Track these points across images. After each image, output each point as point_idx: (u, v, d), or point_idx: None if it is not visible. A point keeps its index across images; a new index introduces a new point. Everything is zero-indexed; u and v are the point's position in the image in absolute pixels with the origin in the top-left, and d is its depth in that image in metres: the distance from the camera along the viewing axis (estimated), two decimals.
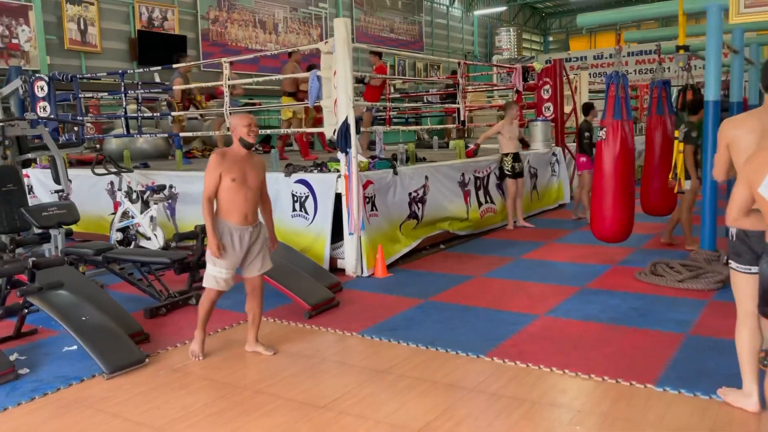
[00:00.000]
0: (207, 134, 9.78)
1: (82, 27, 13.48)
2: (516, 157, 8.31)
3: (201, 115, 10.35)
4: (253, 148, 4.02)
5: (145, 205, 7.07)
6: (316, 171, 6.57)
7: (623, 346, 4.06)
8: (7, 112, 9.13)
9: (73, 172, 8.07)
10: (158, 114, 9.49)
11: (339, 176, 6.20)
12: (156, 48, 14.19)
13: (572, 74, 12.79)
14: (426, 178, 7.17)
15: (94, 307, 4.26)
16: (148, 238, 6.95)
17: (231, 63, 7.76)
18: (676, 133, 5.99)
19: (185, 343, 4.40)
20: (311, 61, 8.66)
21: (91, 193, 8.14)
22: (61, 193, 6.84)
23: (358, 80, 9.30)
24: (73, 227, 6.37)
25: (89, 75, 10.74)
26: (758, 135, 2.96)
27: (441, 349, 4.10)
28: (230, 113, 7.36)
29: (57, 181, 6.92)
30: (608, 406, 3.25)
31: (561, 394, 3.46)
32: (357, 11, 20.61)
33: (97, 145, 10.82)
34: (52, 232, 6.01)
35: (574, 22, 28.24)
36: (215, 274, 3.94)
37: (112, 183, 7.91)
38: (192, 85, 9.09)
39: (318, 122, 8.76)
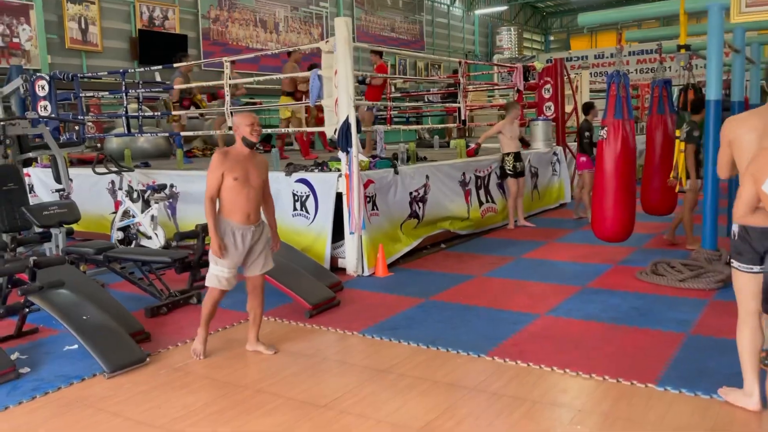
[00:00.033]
0: (208, 133, 9.79)
1: (83, 26, 13.48)
2: (517, 157, 8.31)
3: (201, 114, 10.35)
4: (255, 147, 4.02)
5: (146, 204, 7.07)
6: (316, 170, 6.57)
7: (624, 346, 4.06)
8: (8, 111, 9.13)
9: (73, 171, 8.07)
10: (159, 113, 9.49)
11: (340, 175, 6.20)
12: (157, 47, 14.20)
13: (573, 73, 12.79)
14: (427, 177, 7.17)
15: (94, 306, 4.26)
16: (149, 237, 6.95)
17: (233, 62, 7.76)
18: (677, 133, 5.98)
19: (186, 342, 4.41)
20: (312, 61, 8.66)
21: (92, 192, 8.14)
22: (62, 192, 6.84)
23: (360, 81, 9.30)
24: (74, 226, 6.37)
25: (90, 74, 10.75)
26: (760, 134, 2.96)
27: (442, 348, 4.10)
28: (232, 112, 7.36)
29: (58, 180, 6.92)
30: (609, 405, 3.25)
31: (562, 393, 3.46)
32: (358, 10, 20.60)
33: (98, 144, 10.82)
34: (53, 231, 6.01)
35: (575, 22, 28.22)
36: (217, 273, 3.94)
37: (113, 182, 7.90)
38: (192, 85, 9.09)
39: (320, 122, 8.76)
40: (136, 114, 8.82)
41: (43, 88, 8.86)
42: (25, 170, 7.69)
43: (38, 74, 9.34)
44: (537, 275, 5.92)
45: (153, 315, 4.98)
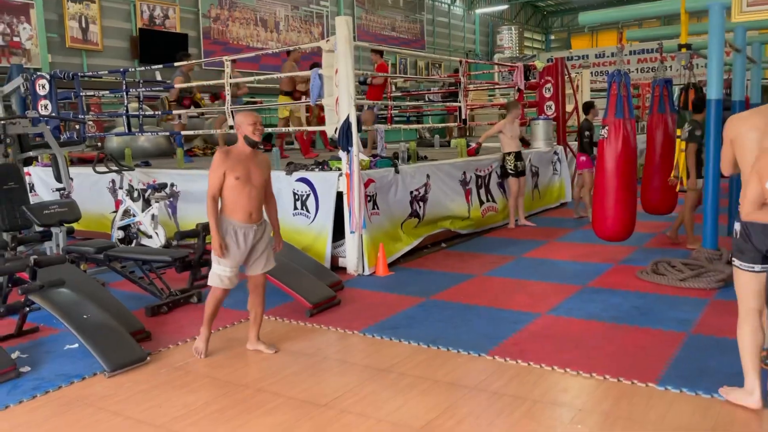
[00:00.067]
0: (208, 132, 9.78)
1: (84, 25, 13.48)
2: (518, 156, 8.31)
3: (201, 113, 10.34)
4: (258, 147, 4.01)
5: (147, 203, 7.07)
6: (317, 169, 6.57)
7: (625, 345, 4.06)
8: (9, 110, 9.13)
9: (74, 171, 8.07)
10: (159, 112, 9.49)
11: (340, 175, 6.19)
12: (157, 46, 14.20)
13: (574, 73, 12.77)
14: (427, 176, 7.16)
15: (95, 305, 4.26)
16: (150, 237, 6.95)
17: (233, 61, 7.75)
18: (678, 132, 5.98)
19: (186, 341, 4.41)
20: (313, 60, 8.65)
21: (93, 192, 8.14)
22: (62, 191, 6.84)
23: (361, 82, 9.30)
24: (75, 225, 6.37)
25: (90, 73, 10.75)
26: (761, 132, 2.98)
27: (442, 347, 4.10)
28: (235, 111, 7.35)
29: (58, 179, 6.92)
30: (610, 404, 3.25)
31: (562, 392, 3.45)
32: (358, 9, 20.60)
33: (99, 144, 10.82)
34: (54, 230, 6.01)
35: (575, 21, 28.22)
36: (219, 272, 3.93)
37: (113, 181, 7.91)
38: (193, 84, 9.09)
39: (323, 121, 8.76)
40: (137, 113, 8.82)
41: (43, 87, 8.86)
42: (25, 169, 7.69)
43: (39, 73, 9.34)
44: (537, 274, 5.91)
45: (153, 314, 4.98)
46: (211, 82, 8.79)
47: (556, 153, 10.13)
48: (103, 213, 8.02)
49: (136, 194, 7.14)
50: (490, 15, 27.50)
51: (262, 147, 4.11)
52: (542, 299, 5.11)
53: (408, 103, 13.91)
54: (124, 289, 5.64)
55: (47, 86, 8.83)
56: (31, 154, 7.52)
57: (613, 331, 4.32)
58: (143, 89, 9.21)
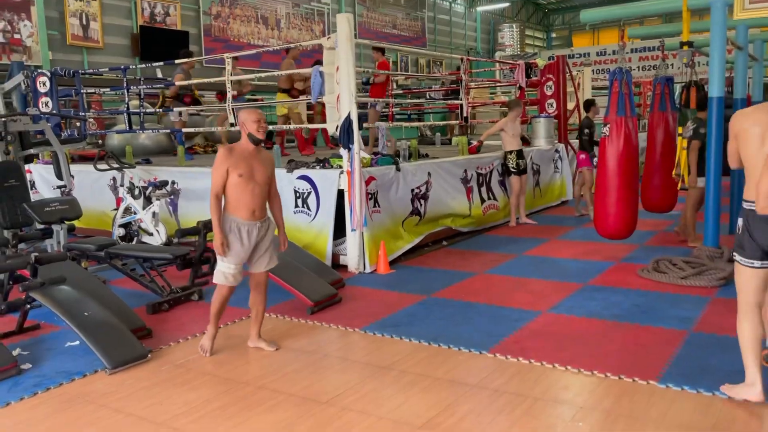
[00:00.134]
0: (209, 130, 9.78)
1: (84, 22, 13.47)
2: (520, 154, 8.30)
3: (199, 111, 10.34)
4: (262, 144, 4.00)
5: (148, 201, 7.07)
6: (318, 167, 6.57)
7: (626, 343, 4.06)
8: (10, 108, 9.12)
9: (75, 168, 8.05)
10: (161, 110, 9.49)
11: (341, 172, 6.19)
12: (158, 43, 14.20)
13: (575, 71, 12.76)
14: (428, 174, 7.16)
15: (96, 302, 4.26)
16: (151, 234, 6.95)
17: (235, 59, 7.75)
18: (680, 130, 5.97)
19: (188, 338, 4.41)
20: (315, 57, 8.65)
21: (94, 189, 8.15)
22: (63, 189, 6.84)
23: (364, 82, 9.30)
24: (76, 223, 6.38)
25: (91, 70, 10.76)
26: (764, 128, 3.00)
27: (443, 345, 4.10)
28: (238, 108, 7.35)
29: (59, 176, 6.92)
30: (611, 402, 3.24)
31: (563, 390, 3.45)
32: (359, 7, 20.58)
33: (100, 141, 10.82)
34: (55, 227, 6.01)
35: (577, 19, 28.21)
36: (224, 269, 3.93)
37: (114, 179, 7.91)
38: (194, 81, 9.08)
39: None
40: (138, 110, 8.82)
41: (44, 84, 8.85)
42: (26, 166, 7.69)
43: (39, 70, 9.33)
44: (539, 272, 5.91)
45: (154, 311, 4.99)
46: (213, 80, 8.78)
47: (557, 151, 10.12)
48: (104, 210, 8.02)
49: (137, 192, 7.15)
50: (491, 13, 27.48)
51: (263, 145, 4.11)
52: (543, 297, 5.10)
53: (409, 100, 13.90)
54: (125, 286, 5.64)
55: (48, 83, 8.82)
56: (32, 151, 7.51)
57: (614, 329, 4.32)
58: (144, 87, 9.19)
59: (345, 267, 6.18)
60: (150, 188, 7.09)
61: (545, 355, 3.83)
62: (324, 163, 6.64)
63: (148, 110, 9.11)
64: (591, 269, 5.93)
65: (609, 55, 22.30)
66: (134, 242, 7.05)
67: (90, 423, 3.23)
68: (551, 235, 7.61)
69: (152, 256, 5.44)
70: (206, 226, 5.70)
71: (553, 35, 32.43)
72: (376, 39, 19.95)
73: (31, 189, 7.93)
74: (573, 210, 9.10)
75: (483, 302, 5.02)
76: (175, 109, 9.05)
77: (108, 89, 10.19)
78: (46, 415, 3.33)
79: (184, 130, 9.06)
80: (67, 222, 6.07)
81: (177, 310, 5.10)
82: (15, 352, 4.08)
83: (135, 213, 7.14)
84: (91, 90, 9.87)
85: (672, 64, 7.53)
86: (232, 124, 7.57)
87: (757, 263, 3.03)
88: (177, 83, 8.91)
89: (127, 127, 8.90)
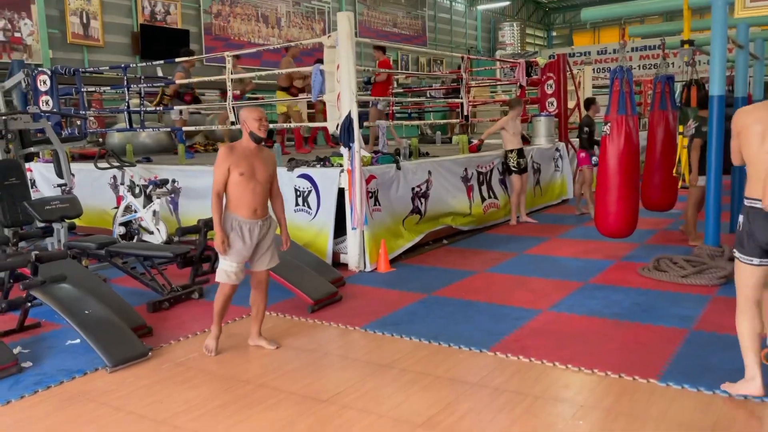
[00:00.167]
0: (209, 129, 9.78)
1: (85, 21, 13.47)
2: (520, 153, 8.30)
3: (198, 111, 10.35)
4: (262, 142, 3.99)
5: (148, 199, 7.07)
6: (319, 166, 6.56)
7: (626, 342, 4.06)
8: (10, 106, 9.13)
9: (75, 166, 8.04)
10: (161, 108, 9.49)
11: (342, 171, 6.19)
12: (159, 42, 14.19)
13: (576, 69, 12.75)
14: (429, 173, 7.16)
15: (97, 300, 4.26)
16: (151, 233, 6.95)
17: (237, 57, 7.75)
18: (680, 128, 5.96)
19: (188, 337, 4.41)
20: (316, 56, 8.65)
21: (94, 188, 8.15)
22: (64, 187, 6.84)
23: (365, 82, 9.30)
24: (76, 221, 6.38)
25: (92, 69, 10.76)
26: (765, 125, 3.02)
27: (444, 343, 4.10)
28: (239, 107, 7.35)
29: (60, 175, 6.91)
30: (611, 401, 3.24)
31: (564, 389, 3.45)
32: (360, 6, 20.57)
33: (100, 140, 10.82)
34: (55, 225, 6.02)
35: (577, 17, 28.19)
36: (226, 268, 3.92)
37: (114, 177, 7.91)
38: (194, 80, 9.08)
39: None
40: (138, 109, 8.82)
41: (44, 82, 8.85)
42: (27, 165, 7.69)
43: (40, 69, 9.33)
44: (539, 271, 5.91)
45: (155, 310, 4.99)
46: (213, 78, 8.78)
47: (557, 150, 10.12)
48: (105, 209, 8.02)
49: (137, 190, 7.15)
50: (491, 11, 27.46)
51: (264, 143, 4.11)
52: (544, 296, 5.10)
53: (410, 99, 13.89)
54: (125, 285, 5.65)
55: (48, 82, 8.82)
56: (32, 149, 7.52)
57: (614, 328, 4.32)
58: (144, 85, 9.19)
59: (345, 265, 6.18)
60: (150, 187, 7.09)
61: (545, 354, 3.83)
62: (324, 161, 6.64)
63: (148, 109, 9.10)
64: (591, 268, 5.93)
65: (610, 53, 22.29)
66: (135, 241, 7.05)
67: (90, 421, 3.23)
68: (552, 234, 7.61)
69: (153, 255, 5.44)
70: (207, 224, 5.70)
71: (554, 34, 32.41)
72: (376, 37, 19.95)
73: (32, 187, 7.93)
74: (573, 208, 9.10)
75: (483, 301, 5.02)
76: (175, 107, 9.05)
77: (108, 88, 10.19)
78: (47, 413, 3.33)
79: (185, 128, 9.06)
80: (67, 220, 6.08)
81: (177, 309, 5.10)
82: (16, 351, 4.09)
83: (135, 211, 7.14)
84: (92, 88, 9.87)
85: (673, 63, 7.52)
86: (233, 123, 7.57)
87: (756, 261, 3.06)
88: (177, 81, 8.92)
89: (128, 126, 8.89)
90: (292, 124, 8.89)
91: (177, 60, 8.90)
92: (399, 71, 18.71)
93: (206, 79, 8.99)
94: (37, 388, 3.62)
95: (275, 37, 17.67)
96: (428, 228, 7.12)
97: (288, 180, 6.50)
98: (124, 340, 4.03)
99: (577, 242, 7.09)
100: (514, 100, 9.02)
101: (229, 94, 7.64)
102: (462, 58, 9.47)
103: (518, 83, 10.56)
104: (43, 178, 8.72)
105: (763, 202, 2.95)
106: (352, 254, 6.16)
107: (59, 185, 7.10)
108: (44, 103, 8.79)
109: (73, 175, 7.07)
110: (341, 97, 6.10)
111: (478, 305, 4.91)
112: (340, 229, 6.27)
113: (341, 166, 6.24)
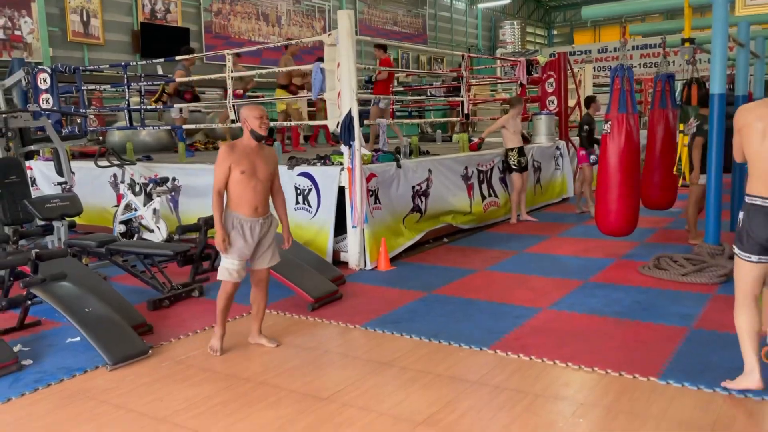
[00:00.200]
0: (210, 127, 9.77)
1: (85, 19, 13.47)
2: (521, 152, 8.30)
3: (198, 109, 10.35)
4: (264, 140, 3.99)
5: (148, 197, 7.08)
6: (319, 164, 6.56)
7: (627, 340, 4.06)
8: (10, 104, 9.13)
9: (76, 165, 8.06)
10: (161, 106, 9.49)
11: (342, 169, 6.19)
12: (159, 40, 14.19)
13: (576, 68, 12.74)
14: (429, 171, 7.15)
15: (97, 298, 4.27)
16: (151, 231, 6.96)
17: (238, 55, 7.74)
18: (681, 127, 5.96)
19: (188, 335, 4.41)
20: (316, 54, 8.65)
21: (94, 186, 8.15)
22: (64, 185, 6.84)
23: (367, 81, 9.29)
24: (76, 219, 6.38)
25: (92, 67, 10.74)
26: (766, 123, 3.04)
27: (444, 341, 4.10)
28: (238, 105, 7.35)
29: (60, 173, 6.92)
30: (611, 399, 3.24)
31: (564, 387, 3.45)
32: (360, 4, 20.56)
33: (100, 138, 10.82)
34: (55, 224, 6.01)
35: (578, 16, 28.16)
36: (228, 266, 3.92)
37: (115, 175, 7.91)
38: (195, 78, 9.08)
39: None
40: (138, 107, 8.81)
41: (44, 80, 8.85)
42: (27, 163, 7.69)
43: (40, 67, 9.33)
44: (539, 269, 5.91)
45: (155, 308, 4.99)
46: (214, 76, 8.78)
47: (558, 148, 10.11)
48: (105, 207, 8.02)
49: (137, 188, 7.15)
50: (492, 10, 27.43)
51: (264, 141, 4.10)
52: (544, 294, 5.10)
53: (410, 97, 13.89)
54: (125, 283, 5.65)
55: (48, 80, 8.82)
56: (32, 147, 7.52)
57: (614, 326, 4.32)
58: (145, 83, 9.20)
59: (346, 264, 6.18)
60: (151, 185, 7.09)
61: (546, 352, 3.83)
62: (325, 159, 6.64)
63: (148, 107, 9.11)
64: (592, 266, 5.93)
65: (610, 52, 22.27)
66: (135, 239, 7.05)
67: (91, 419, 3.23)
68: (552, 232, 7.60)
69: (153, 253, 5.44)
70: (207, 222, 5.70)
71: (555, 32, 32.38)
72: (376, 36, 19.92)
73: (32, 186, 7.94)
74: (574, 207, 9.09)
75: (484, 299, 5.02)
76: (175, 105, 9.05)
77: (108, 86, 10.20)
78: (47, 411, 3.33)
79: (185, 126, 9.05)
80: (67, 218, 6.07)
81: (178, 307, 5.10)
82: (16, 348, 4.09)
83: (136, 210, 7.14)
84: (92, 87, 9.88)
85: (673, 61, 7.51)
86: (233, 121, 7.57)
87: (754, 258, 3.09)
88: (177, 80, 8.91)
89: (128, 124, 8.89)
90: (292, 122, 8.90)
91: (177, 58, 8.90)
92: (400, 69, 18.70)
93: (206, 77, 8.99)
94: (37, 386, 3.62)
95: (275, 35, 17.66)
96: (428, 226, 7.12)
97: (288, 178, 6.50)
98: (124, 338, 4.03)
99: (578, 241, 7.09)
100: (514, 98, 9.02)
101: (229, 92, 7.64)
102: (462, 56, 9.46)
103: (519, 82, 10.55)
104: (43, 176, 8.72)
105: None
106: (352, 252, 6.16)
107: (59, 183, 7.10)
108: (44, 102, 8.79)
109: (73, 173, 7.07)
110: (342, 96, 6.10)
111: (479, 303, 4.91)
112: (340, 228, 6.27)
113: (341, 164, 6.24)
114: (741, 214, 3.14)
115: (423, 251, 6.84)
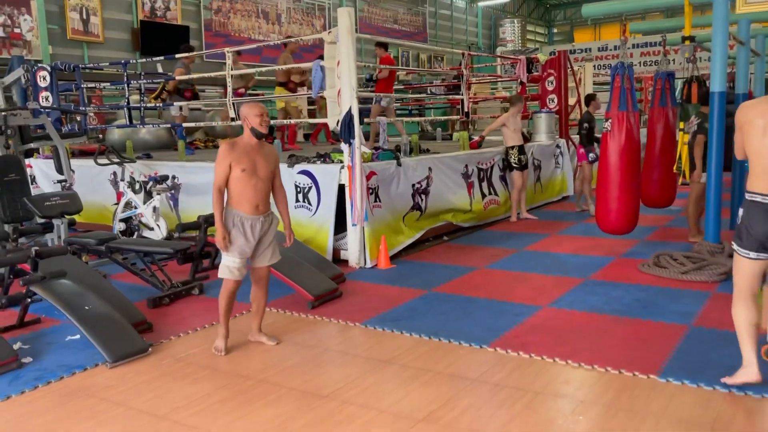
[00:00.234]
0: (210, 125, 9.77)
1: (85, 17, 13.45)
2: (521, 150, 8.30)
3: (198, 108, 10.34)
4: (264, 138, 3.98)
5: (148, 195, 7.07)
6: (319, 162, 6.56)
7: (627, 338, 4.06)
8: (10, 102, 9.12)
9: (75, 163, 8.06)
10: (161, 104, 9.48)
11: (342, 167, 6.18)
12: (159, 38, 14.17)
13: (577, 66, 12.73)
14: (429, 169, 7.15)
15: (97, 296, 4.26)
16: (151, 229, 6.95)
17: (238, 53, 7.73)
18: (681, 125, 5.95)
19: (188, 332, 4.41)
20: (317, 53, 8.65)
21: (94, 184, 8.14)
22: (63, 183, 6.84)
23: (368, 79, 9.28)
24: (76, 217, 6.37)
25: (92, 65, 10.73)
26: (766, 119, 3.04)
27: (444, 339, 4.10)
28: (237, 103, 7.34)
29: (60, 171, 6.92)
30: (611, 396, 3.24)
31: (564, 384, 3.45)
32: (360, 2, 20.54)
33: (100, 136, 10.82)
34: (55, 221, 6.01)
35: (578, 14, 28.14)
36: (229, 264, 3.91)
37: (114, 173, 7.90)
38: (195, 75, 9.07)
39: None
40: (138, 105, 8.81)
41: (44, 78, 8.84)
42: (26, 161, 7.69)
43: (39, 65, 9.32)
44: (539, 267, 5.91)
45: (155, 306, 4.99)
46: (214, 74, 8.77)
47: (558, 146, 10.11)
48: (105, 205, 8.02)
49: (137, 186, 7.15)
50: (492, 8, 27.40)
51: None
52: (544, 292, 5.10)
53: (410, 95, 13.88)
54: (125, 280, 5.64)
55: (48, 78, 8.81)
56: (32, 145, 7.52)
57: (614, 324, 4.32)
58: (144, 81, 9.19)
59: (346, 262, 6.18)
60: (150, 183, 7.09)
61: (546, 350, 3.83)
62: (325, 157, 6.63)
63: (148, 105, 9.10)
64: (592, 264, 5.93)
65: (611, 50, 22.26)
66: (135, 237, 7.05)
67: (90, 416, 3.23)
68: (552, 230, 7.60)
69: (153, 251, 5.43)
70: (207, 220, 5.70)
71: (555, 30, 32.35)
72: (377, 34, 19.90)
73: (32, 183, 7.93)
74: (574, 205, 9.09)
75: (483, 297, 5.02)
76: (175, 103, 9.04)
77: (108, 84, 10.19)
78: (47, 409, 3.33)
79: (185, 124, 9.05)
80: (67, 216, 6.07)
81: (177, 305, 5.10)
82: (16, 346, 4.08)
83: (135, 207, 7.14)
84: (92, 85, 9.86)
85: (674, 60, 7.50)
86: (232, 119, 7.56)
87: (752, 254, 3.11)
88: (177, 77, 8.90)
89: (128, 122, 8.89)
90: (292, 120, 8.89)
91: (177, 56, 8.89)
92: (399, 67, 18.68)
93: (206, 75, 8.98)
94: (37, 383, 3.62)
95: (275, 33, 17.64)
96: (428, 224, 7.12)
97: (288, 176, 6.49)
98: (124, 335, 4.03)
99: (578, 239, 7.09)
100: (515, 96, 9.02)
101: (229, 90, 7.62)
102: (463, 54, 9.45)
103: (519, 80, 10.54)
104: (43, 174, 8.71)
105: None
106: (352, 250, 6.16)
107: (59, 181, 7.09)
108: (44, 99, 8.79)
109: (73, 171, 7.07)
110: (341, 93, 6.09)
111: (479, 301, 4.91)
112: (340, 226, 6.27)
113: (341, 162, 6.24)
114: (741, 211, 3.16)
115: (423, 249, 6.84)
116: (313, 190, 6.40)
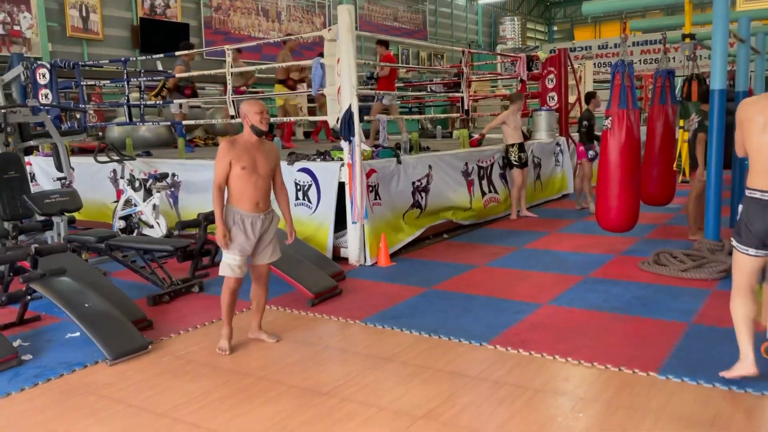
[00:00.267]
0: (210, 122, 9.77)
1: (84, 14, 13.44)
2: (521, 147, 8.29)
3: (198, 105, 10.33)
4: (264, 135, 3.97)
5: (148, 193, 7.07)
6: (319, 159, 6.55)
7: (626, 335, 4.06)
8: (9, 99, 9.11)
9: (75, 160, 8.05)
10: (161, 102, 9.48)
11: (342, 165, 6.18)
12: (158, 36, 14.16)
13: (577, 64, 12.72)
14: (429, 167, 7.15)
15: (96, 294, 4.26)
16: (151, 226, 6.95)
17: (239, 51, 7.73)
18: (681, 123, 5.95)
19: (188, 330, 4.42)
20: (317, 50, 8.64)
21: (94, 181, 8.14)
22: (63, 181, 6.84)
23: (369, 77, 9.27)
24: (76, 215, 6.37)
25: (91, 62, 10.72)
26: (767, 117, 3.05)
27: (444, 337, 4.10)
28: (239, 101, 7.33)
29: (59, 168, 6.91)
30: (611, 394, 3.24)
31: (564, 382, 3.46)
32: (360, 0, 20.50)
33: (100, 133, 10.81)
34: (55, 219, 6.01)
35: (578, 12, 28.09)
36: (230, 261, 3.91)
37: (114, 171, 7.90)
38: (195, 73, 9.06)
39: None
40: (138, 103, 8.80)
41: (44, 76, 8.84)
42: (26, 158, 7.68)
43: (39, 62, 9.31)
44: (539, 265, 5.91)
45: (155, 303, 4.99)
46: (213, 72, 8.76)
47: (558, 144, 10.10)
48: (105, 202, 8.02)
49: (137, 184, 7.14)
50: (492, 6, 27.37)
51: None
52: (544, 290, 5.10)
53: (410, 93, 13.87)
54: (125, 278, 5.64)
55: (48, 75, 8.81)
56: (32, 143, 7.51)
57: (614, 322, 4.32)
58: (144, 79, 9.18)
59: (346, 259, 6.18)
60: (150, 180, 7.09)
61: (545, 347, 3.83)
62: (325, 155, 6.63)
63: (148, 103, 9.10)
64: (591, 262, 5.93)
65: (611, 48, 22.26)
66: (135, 234, 7.05)
67: (90, 413, 3.23)
68: (552, 228, 7.60)
69: (153, 248, 5.43)
70: (207, 218, 5.70)
71: (555, 28, 32.33)
72: (377, 32, 19.88)
73: (32, 181, 7.92)
74: (574, 203, 9.09)
75: (483, 294, 5.02)
76: (175, 101, 9.03)
77: (108, 81, 10.17)
78: (47, 406, 3.33)
79: (185, 122, 9.04)
80: (67, 214, 6.07)
81: (177, 302, 5.10)
82: (16, 344, 4.09)
83: (135, 205, 7.13)
84: (91, 82, 9.85)
85: (674, 57, 7.48)
86: (232, 117, 7.56)
87: (751, 251, 3.13)
88: (177, 75, 8.89)
89: (128, 120, 8.88)
90: (292, 118, 8.89)
91: (177, 54, 8.88)
92: (400, 65, 18.67)
93: (206, 72, 8.98)
94: (37, 380, 3.62)
95: (275, 30, 17.63)
96: (428, 222, 7.11)
97: (288, 174, 6.48)
98: (124, 333, 4.03)
99: (578, 236, 7.09)
100: (515, 94, 9.01)
101: (229, 87, 7.62)
102: (463, 52, 9.44)
103: (519, 78, 10.53)
104: (42, 172, 8.71)
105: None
106: (352, 248, 6.16)
107: (59, 179, 7.09)
108: (44, 97, 8.78)
109: (72, 168, 7.06)
110: (341, 91, 6.09)
111: (479, 299, 4.91)
112: (340, 223, 6.27)
113: (342, 160, 6.23)
114: (740, 207, 3.17)
115: (423, 247, 6.84)
116: (313, 188, 6.40)
